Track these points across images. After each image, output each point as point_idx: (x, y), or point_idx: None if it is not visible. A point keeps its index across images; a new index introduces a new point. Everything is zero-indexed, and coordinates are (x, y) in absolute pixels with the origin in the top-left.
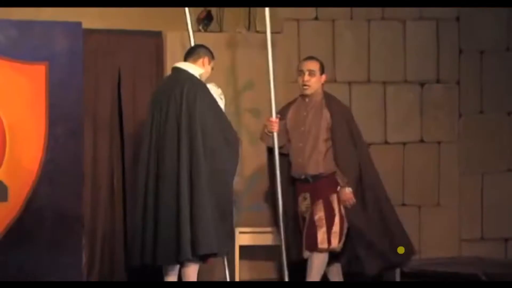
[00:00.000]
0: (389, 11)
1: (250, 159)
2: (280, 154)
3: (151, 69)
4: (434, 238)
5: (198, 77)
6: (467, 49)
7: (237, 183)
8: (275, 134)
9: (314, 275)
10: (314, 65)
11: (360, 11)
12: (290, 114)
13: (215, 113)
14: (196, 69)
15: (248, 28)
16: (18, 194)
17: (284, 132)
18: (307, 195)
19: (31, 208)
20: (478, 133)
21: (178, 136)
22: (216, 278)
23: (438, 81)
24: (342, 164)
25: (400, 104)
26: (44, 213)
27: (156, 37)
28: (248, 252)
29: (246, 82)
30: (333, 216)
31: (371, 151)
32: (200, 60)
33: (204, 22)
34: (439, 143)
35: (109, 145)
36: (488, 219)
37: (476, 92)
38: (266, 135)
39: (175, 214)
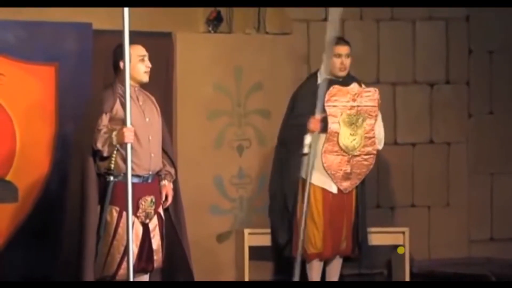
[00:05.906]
0: (398, 11)
1: (259, 160)
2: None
3: (160, 70)
4: (443, 239)
5: None
6: (476, 49)
7: (247, 183)
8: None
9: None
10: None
11: (369, 12)
12: None
13: None
14: None
15: (258, 29)
16: (28, 195)
17: None
18: None
19: (41, 208)
20: (487, 134)
21: None
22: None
23: (447, 82)
24: None
25: (409, 105)
26: (54, 213)
27: (166, 38)
28: (257, 253)
29: (255, 83)
30: None
31: (381, 152)
32: None
33: (214, 23)
34: (448, 144)
35: None
36: (497, 219)
37: (485, 92)
38: None
39: None
